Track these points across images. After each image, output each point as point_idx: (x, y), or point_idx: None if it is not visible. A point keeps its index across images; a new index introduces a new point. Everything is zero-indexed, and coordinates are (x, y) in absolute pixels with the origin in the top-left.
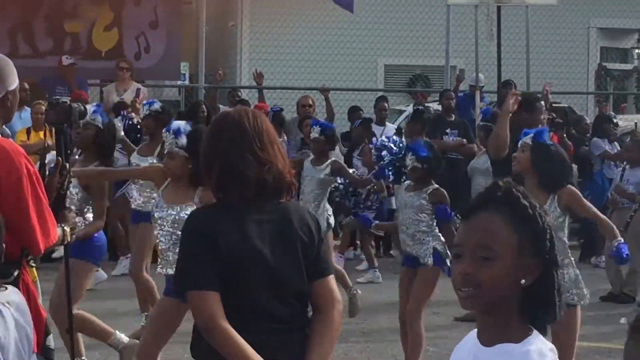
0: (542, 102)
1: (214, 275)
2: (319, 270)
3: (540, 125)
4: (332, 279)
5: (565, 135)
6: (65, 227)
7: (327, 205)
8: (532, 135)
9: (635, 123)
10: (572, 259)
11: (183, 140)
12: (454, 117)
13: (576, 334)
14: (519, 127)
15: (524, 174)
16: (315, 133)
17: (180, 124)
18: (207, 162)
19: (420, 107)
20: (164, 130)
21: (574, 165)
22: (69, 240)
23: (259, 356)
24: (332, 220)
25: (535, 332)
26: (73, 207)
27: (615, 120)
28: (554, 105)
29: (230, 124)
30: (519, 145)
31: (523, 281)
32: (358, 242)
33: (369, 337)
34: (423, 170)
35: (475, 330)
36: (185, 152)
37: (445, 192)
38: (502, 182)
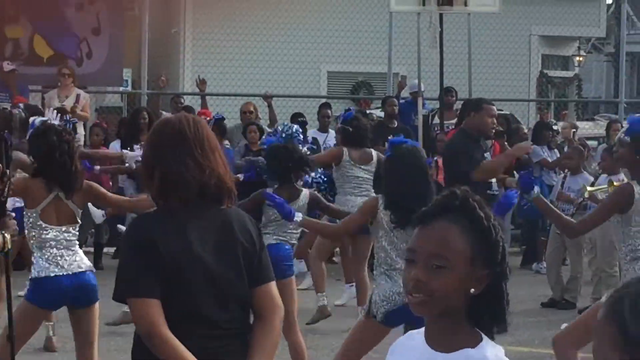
0: (493, 105)
1: (154, 282)
2: (260, 277)
3: (487, 127)
4: (273, 285)
5: (506, 142)
6: (6, 234)
7: None
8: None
9: (573, 132)
10: None
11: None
12: (396, 124)
13: None
14: (473, 129)
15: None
16: None
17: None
18: (148, 169)
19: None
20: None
21: (514, 172)
22: (9, 247)
23: None
24: None
25: (485, 337)
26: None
27: (555, 128)
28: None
29: (171, 130)
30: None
31: (472, 290)
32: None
33: (312, 343)
34: None
35: (416, 333)
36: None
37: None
38: (459, 190)
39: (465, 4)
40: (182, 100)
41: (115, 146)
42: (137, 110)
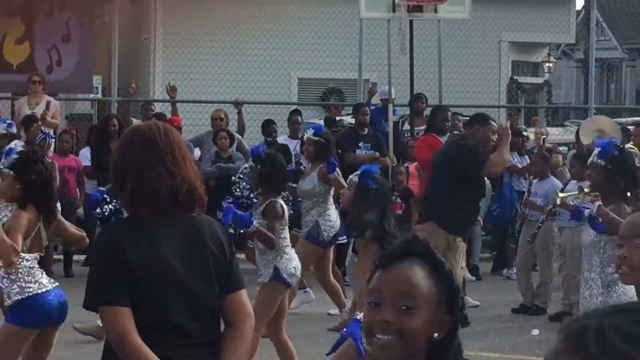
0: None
1: (124, 291)
2: (231, 285)
3: (489, 141)
4: (243, 293)
5: None
6: None
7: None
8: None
9: (543, 138)
10: None
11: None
12: (366, 131)
13: None
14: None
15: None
16: None
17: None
18: (119, 177)
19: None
20: None
21: (486, 179)
22: None
23: None
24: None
25: None
26: None
27: (525, 134)
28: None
29: (141, 138)
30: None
31: (436, 335)
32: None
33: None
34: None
35: None
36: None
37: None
38: (420, 237)
39: (435, 11)
40: (153, 108)
41: (85, 153)
42: (107, 118)
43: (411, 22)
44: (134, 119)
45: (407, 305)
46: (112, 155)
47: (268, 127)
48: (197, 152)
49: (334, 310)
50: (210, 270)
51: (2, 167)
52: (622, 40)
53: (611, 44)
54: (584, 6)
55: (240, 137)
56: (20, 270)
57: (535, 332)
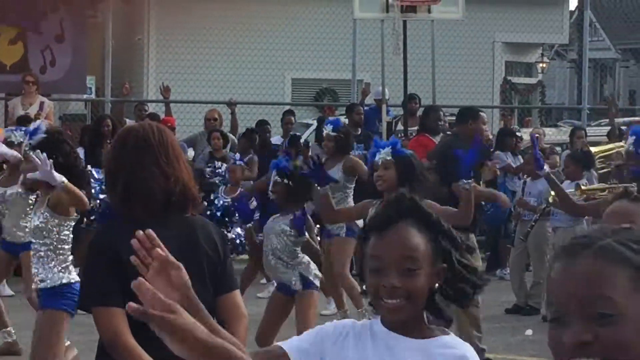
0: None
1: (118, 291)
2: (225, 285)
3: (483, 134)
4: (237, 293)
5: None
6: None
7: None
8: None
9: (536, 137)
10: None
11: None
12: (360, 131)
13: None
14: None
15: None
16: None
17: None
18: (111, 177)
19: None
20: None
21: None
22: None
23: None
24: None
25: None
26: None
27: (518, 134)
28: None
29: (135, 138)
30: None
31: (437, 285)
32: None
33: None
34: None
35: (371, 324)
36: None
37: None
38: (405, 192)
39: (429, 11)
40: (146, 108)
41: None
42: (101, 118)
43: (405, 22)
44: (127, 120)
45: (410, 267)
46: (106, 156)
47: (261, 127)
48: (191, 153)
49: (325, 311)
50: (204, 271)
51: (26, 149)
52: (616, 41)
53: (604, 45)
54: (577, 6)
55: (234, 137)
56: (63, 253)
57: (529, 332)
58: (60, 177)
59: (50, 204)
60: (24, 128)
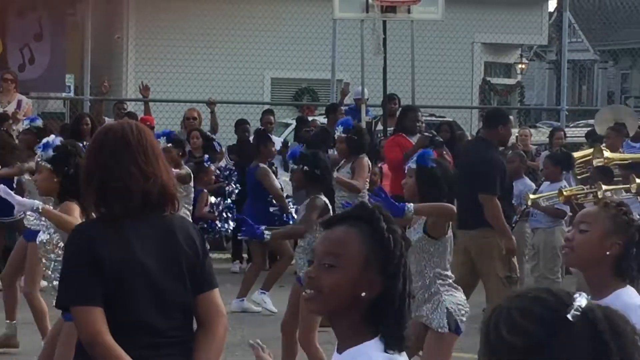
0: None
1: (97, 290)
2: (204, 284)
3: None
4: (216, 292)
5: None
6: None
7: None
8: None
9: (516, 137)
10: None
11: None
12: None
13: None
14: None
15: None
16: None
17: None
18: (89, 176)
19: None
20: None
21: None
22: None
23: None
24: None
25: (376, 338)
26: None
27: None
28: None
29: (113, 137)
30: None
31: (364, 294)
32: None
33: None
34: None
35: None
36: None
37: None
38: (371, 204)
39: (409, 11)
40: (125, 107)
41: None
42: (80, 116)
43: (384, 22)
44: (106, 118)
45: (328, 263)
46: (84, 155)
47: (241, 126)
48: None
49: None
50: (183, 270)
51: (39, 159)
52: (594, 42)
53: (583, 46)
54: (556, 8)
55: (213, 136)
56: None
57: None
58: (34, 204)
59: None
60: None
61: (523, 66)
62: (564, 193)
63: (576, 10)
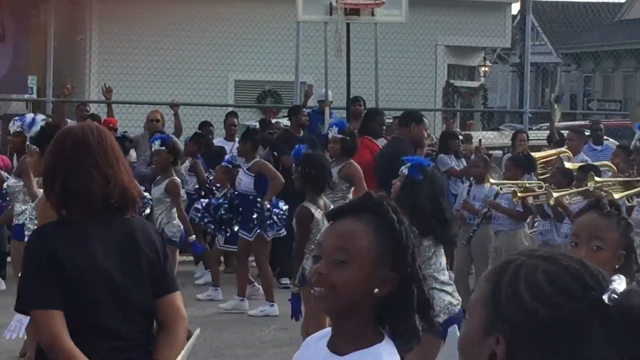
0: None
1: (57, 294)
2: (165, 287)
3: (424, 138)
4: (177, 295)
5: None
6: None
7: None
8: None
9: (480, 139)
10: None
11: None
12: (302, 133)
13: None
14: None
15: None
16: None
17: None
18: (50, 178)
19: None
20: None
21: None
22: None
23: None
24: None
25: (386, 339)
26: None
27: (460, 137)
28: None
29: (74, 139)
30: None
31: (376, 290)
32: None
33: (218, 352)
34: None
35: (319, 337)
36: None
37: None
38: (375, 194)
39: (372, 14)
40: (88, 109)
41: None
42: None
43: (348, 25)
44: (69, 120)
45: (340, 259)
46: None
47: (204, 128)
48: (133, 154)
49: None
50: (143, 273)
51: (28, 142)
52: (557, 45)
53: (546, 49)
54: (519, 11)
55: (176, 139)
56: None
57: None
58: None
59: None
60: (17, 118)
61: (486, 69)
62: (519, 194)
63: (539, 14)
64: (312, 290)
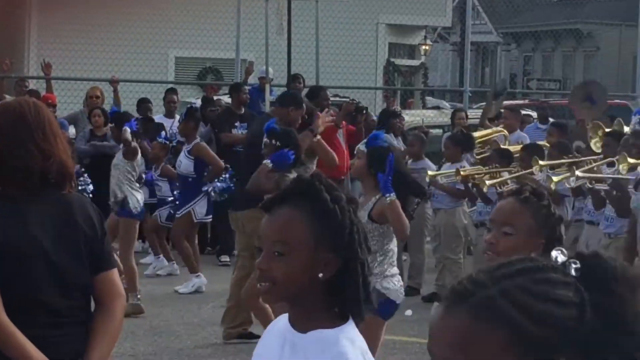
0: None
1: None
2: (102, 264)
3: (297, 124)
4: (115, 272)
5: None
6: None
7: None
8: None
9: (422, 119)
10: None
11: None
12: (243, 110)
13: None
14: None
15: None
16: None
17: None
18: None
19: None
20: None
21: None
22: None
23: (38, 351)
24: None
25: (350, 321)
26: None
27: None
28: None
29: (11, 115)
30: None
31: (321, 275)
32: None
33: (156, 331)
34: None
35: (283, 317)
36: None
37: None
38: (308, 176)
39: None
40: (27, 84)
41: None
42: None
43: (289, 2)
44: (7, 96)
45: (278, 251)
46: None
47: (143, 105)
48: (72, 130)
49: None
50: (80, 249)
51: None
52: (497, 25)
53: (486, 28)
54: None
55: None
56: None
57: (409, 312)
58: None
59: None
60: None
61: (427, 47)
62: (461, 173)
63: None
64: (258, 285)
